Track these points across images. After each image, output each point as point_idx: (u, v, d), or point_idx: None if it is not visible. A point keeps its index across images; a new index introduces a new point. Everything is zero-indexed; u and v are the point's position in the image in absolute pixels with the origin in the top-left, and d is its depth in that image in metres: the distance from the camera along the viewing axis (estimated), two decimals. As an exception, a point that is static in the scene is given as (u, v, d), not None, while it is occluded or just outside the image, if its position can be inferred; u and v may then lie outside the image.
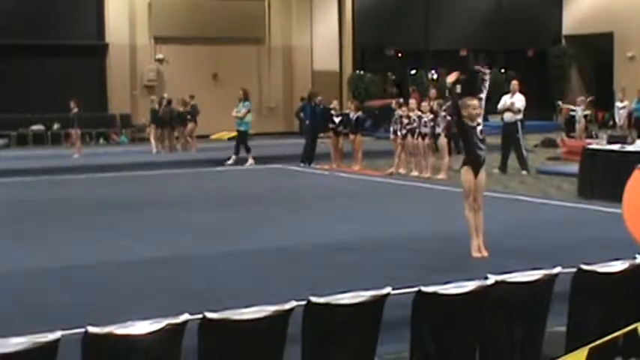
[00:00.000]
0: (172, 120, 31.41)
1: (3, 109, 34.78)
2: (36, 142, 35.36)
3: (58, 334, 4.82)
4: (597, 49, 43.38)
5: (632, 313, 6.41)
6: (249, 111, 27.11)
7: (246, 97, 27.30)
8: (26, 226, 14.87)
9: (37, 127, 35.80)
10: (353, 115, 24.97)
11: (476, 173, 11.85)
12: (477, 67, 12.77)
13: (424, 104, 22.91)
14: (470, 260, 11.02)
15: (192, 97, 31.96)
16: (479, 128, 11.76)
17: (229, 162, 26.39)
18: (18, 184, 22.07)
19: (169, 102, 31.94)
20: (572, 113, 32.38)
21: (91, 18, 37.26)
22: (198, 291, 9.66)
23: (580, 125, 30.39)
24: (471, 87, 43.24)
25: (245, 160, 26.44)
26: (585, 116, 31.03)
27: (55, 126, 35.39)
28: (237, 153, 26.62)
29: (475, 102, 11.84)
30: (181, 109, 31.56)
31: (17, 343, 4.69)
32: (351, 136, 24.83)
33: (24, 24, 35.26)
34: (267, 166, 25.70)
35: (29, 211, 17.04)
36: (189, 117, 31.38)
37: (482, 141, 11.77)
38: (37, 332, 4.86)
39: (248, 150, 26.68)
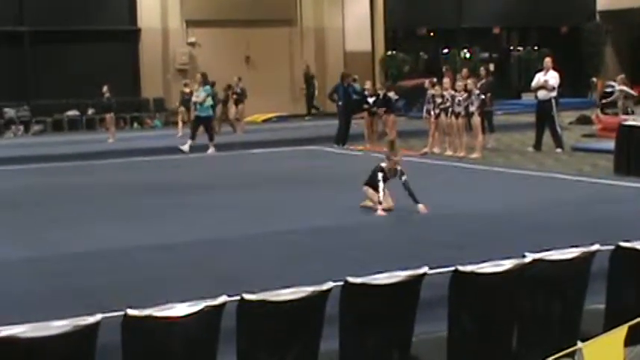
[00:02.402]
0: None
1: (38, 95, 35.05)
2: (71, 128, 35.60)
3: (98, 317, 4.86)
4: (633, 25, 42.97)
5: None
6: (208, 95, 25.70)
7: (205, 82, 25.99)
8: (63, 211, 15.00)
9: (72, 113, 36.02)
10: (392, 96, 25.07)
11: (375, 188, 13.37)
12: None
13: (459, 84, 22.82)
14: (506, 239, 10.98)
15: (239, 79, 32.06)
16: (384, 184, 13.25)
17: (184, 147, 25.19)
18: (55, 169, 22.23)
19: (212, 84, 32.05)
20: (609, 90, 32.07)
21: (124, 3, 37.39)
22: (235, 273, 9.70)
23: (620, 102, 30.06)
24: (502, 67, 43.02)
25: (206, 148, 25.30)
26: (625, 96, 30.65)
27: (90, 111, 35.60)
28: (193, 138, 25.39)
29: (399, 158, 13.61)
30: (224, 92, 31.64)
31: (59, 326, 4.73)
32: (385, 117, 24.87)
33: (56, 10, 35.43)
34: (301, 148, 25.70)
35: (66, 195, 17.16)
36: (235, 98, 31.49)
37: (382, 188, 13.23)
38: (77, 315, 4.90)
39: (211, 138, 25.49)
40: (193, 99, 26.18)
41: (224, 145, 26.63)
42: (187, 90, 31.71)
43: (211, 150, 25.36)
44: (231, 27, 38.13)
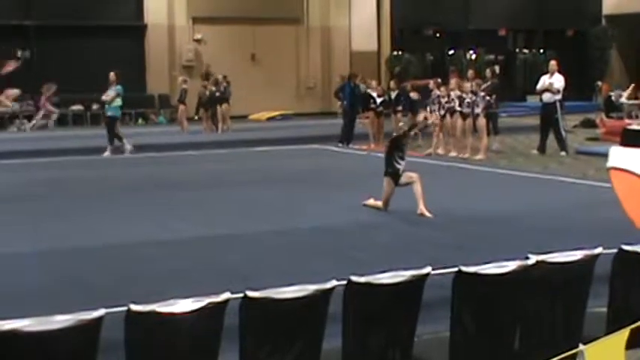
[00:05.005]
0: (211, 100, 31.40)
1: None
2: (75, 123, 35.62)
3: (101, 312, 4.86)
4: (638, 29, 42.91)
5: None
6: (118, 95, 24.60)
7: (118, 81, 24.90)
8: (68, 205, 15.01)
9: (77, 108, 36.04)
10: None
11: (396, 182, 13.44)
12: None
13: (467, 85, 22.78)
14: (509, 241, 10.99)
15: (224, 77, 31.89)
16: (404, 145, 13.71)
17: (105, 154, 24.26)
18: (58, 163, 22.25)
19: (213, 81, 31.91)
20: (612, 94, 32.13)
21: (130, -1, 37.49)
22: (239, 269, 9.71)
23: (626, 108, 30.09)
24: (508, 69, 42.84)
25: (122, 149, 24.51)
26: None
27: (95, 106, 35.61)
28: (111, 143, 24.56)
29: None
30: (213, 88, 31.46)
31: (61, 320, 4.74)
32: (392, 116, 24.94)
33: (62, 5, 35.49)
34: (305, 147, 25.73)
35: (71, 190, 17.18)
36: (217, 96, 31.24)
37: (402, 157, 13.56)
38: (80, 310, 4.91)
39: (119, 138, 24.60)
40: (103, 97, 25.16)
41: (228, 142, 26.67)
42: (185, 86, 31.75)
43: (107, 153, 24.34)
44: (238, 24, 38.16)
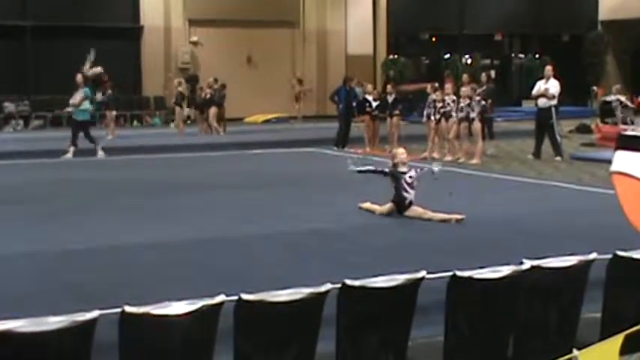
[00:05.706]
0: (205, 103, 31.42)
1: (38, 90, 35.01)
2: (70, 124, 35.49)
3: (95, 314, 4.86)
4: (634, 35, 43.00)
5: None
6: (85, 98, 23.97)
7: (85, 83, 24.43)
8: (62, 207, 14.96)
9: (72, 109, 35.94)
10: (391, 98, 25.05)
11: (401, 212, 13.14)
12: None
13: (464, 89, 22.72)
14: (503, 246, 10.99)
15: (216, 80, 31.82)
16: (407, 174, 13.20)
17: (99, 155, 23.78)
18: (53, 165, 22.23)
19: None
20: (608, 99, 32.11)
21: (127, 0, 37.40)
22: (234, 272, 9.69)
23: (618, 112, 30.05)
24: (504, 73, 42.79)
25: (94, 152, 23.87)
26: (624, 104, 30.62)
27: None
28: (74, 144, 23.70)
29: (402, 149, 14.04)
30: (207, 90, 31.46)
31: (56, 321, 4.74)
32: (388, 120, 24.89)
33: (59, 6, 35.46)
34: (300, 150, 25.71)
35: (65, 191, 17.14)
36: (208, 99, 31.18)
37: (410, 185, 13.14)
38: (74, 311, 4.90)
39: (73, 142, 23.74)
40: (70, 101, 24.58)
41: (222, 145, 26.64)
42: (180, 89, 31.72)
43: (101, 154, 23.88)
44: (234, 27, 38.15)
